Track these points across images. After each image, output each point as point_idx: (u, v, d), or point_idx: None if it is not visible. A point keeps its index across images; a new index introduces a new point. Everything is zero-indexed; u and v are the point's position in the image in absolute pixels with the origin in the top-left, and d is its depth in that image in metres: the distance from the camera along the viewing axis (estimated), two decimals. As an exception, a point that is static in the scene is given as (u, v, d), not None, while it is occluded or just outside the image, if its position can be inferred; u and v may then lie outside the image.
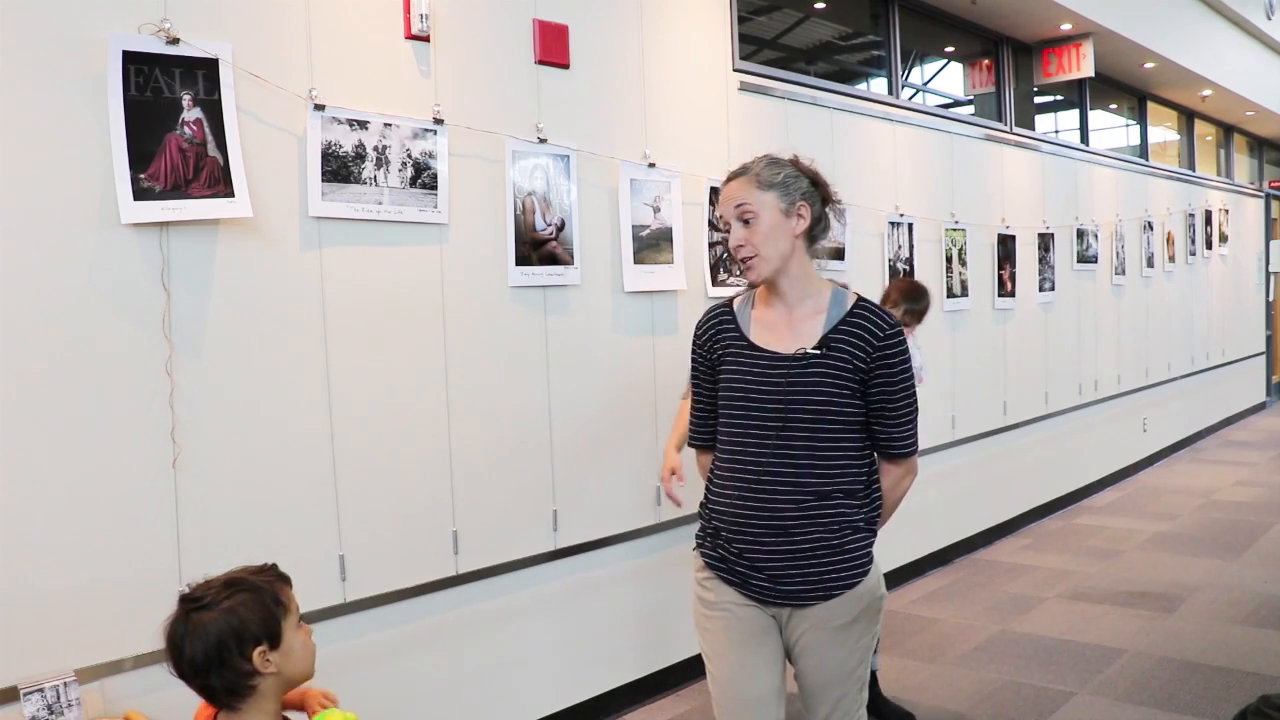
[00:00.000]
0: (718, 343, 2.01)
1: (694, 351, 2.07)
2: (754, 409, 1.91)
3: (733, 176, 1.95)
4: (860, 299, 1.96)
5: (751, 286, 2.00)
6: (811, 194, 1.94)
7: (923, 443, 5.14)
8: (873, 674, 3.23)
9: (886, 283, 4.63)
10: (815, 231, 1.94)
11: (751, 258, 1.90)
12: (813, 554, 1.89)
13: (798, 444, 1.87)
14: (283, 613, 1.50)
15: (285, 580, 1.55)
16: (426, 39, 2.79)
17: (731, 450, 1.95)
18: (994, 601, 4.47)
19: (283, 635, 1.49)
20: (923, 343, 3.70)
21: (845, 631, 1.93)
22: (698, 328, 2.07)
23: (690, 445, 2.15)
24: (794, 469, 1.87)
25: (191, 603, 1.47)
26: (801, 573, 1.89)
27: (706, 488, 2.05)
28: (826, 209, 1.97)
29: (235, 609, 1.46)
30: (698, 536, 2.06)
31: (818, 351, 1.87)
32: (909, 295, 3.00)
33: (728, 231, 1.95)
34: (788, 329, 1.93)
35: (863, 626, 1.95)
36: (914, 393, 1.94)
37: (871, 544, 1.97)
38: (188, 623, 1.45)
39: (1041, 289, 5.95)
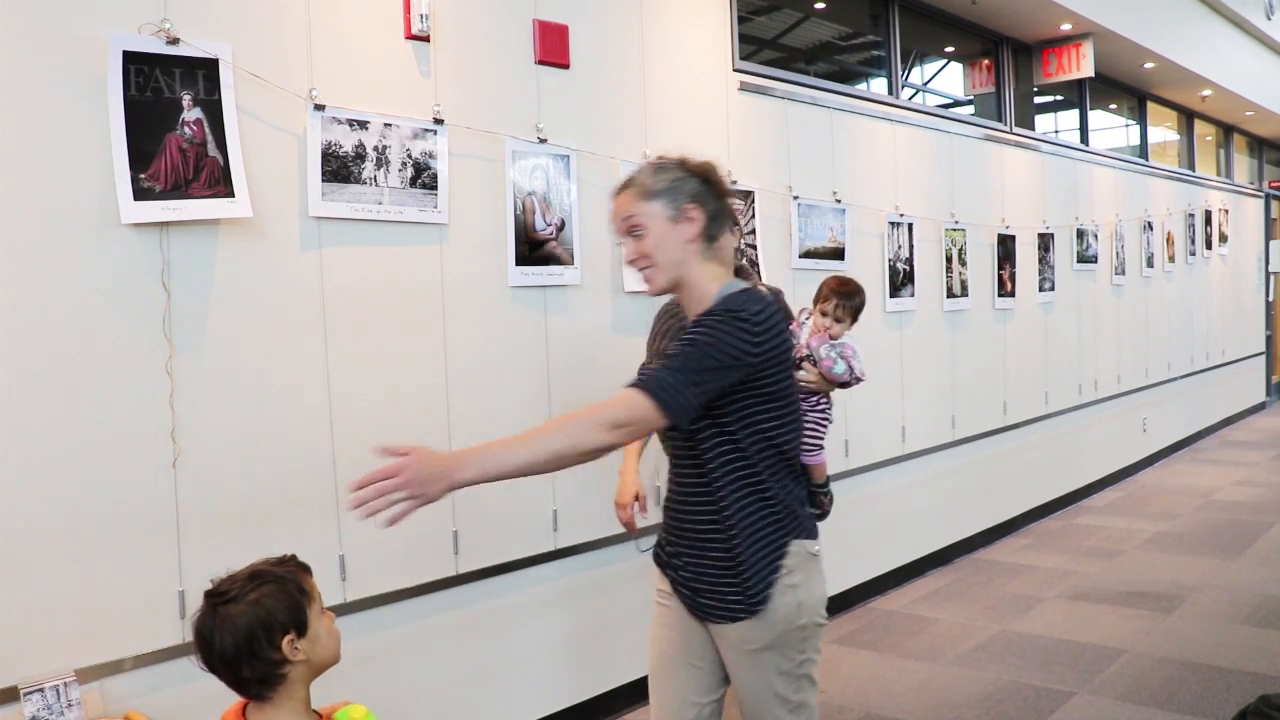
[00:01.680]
0: (665, 336, 2.02)
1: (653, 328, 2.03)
2: None
3: (619, 189, 1.89)
4: (736, 293, 1.81)
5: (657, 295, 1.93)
6: (703, 193, 1.85)
7: (923, 443, 5.15)
8: None
9: (887, 284, 4.63)
10: (712, 230, 1.85)
11: (647, 269, 1.85)
12: (716, 571, 1.84)
13: (691, 457, 1.84)
14: (307, 601, 1.52)
15: (306, 569, 1.57)
16: (426, 39, 2.79)
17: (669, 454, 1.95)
18: (994, 601, 4.47)
19: (309, 623, 1.51)
20: (858, 340, 3.61)
21: (759, 657, 1.85)
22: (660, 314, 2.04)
23: None
24: (697, 482, 1.84)
25: (218, 597, 1.49)
26: (709, 588, 1.86)
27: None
28: (723, 203, 1.89)
29: (262, 600, 1.49)
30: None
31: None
32: (840, 291, 2.97)
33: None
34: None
35: (778, 654, 1.84)
36: (691, 351, 1.72)
37: (775, 569, 1.82)
38: (216, 616, 1.47)
39: (1041, 289, 5.95)
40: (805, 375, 2.83)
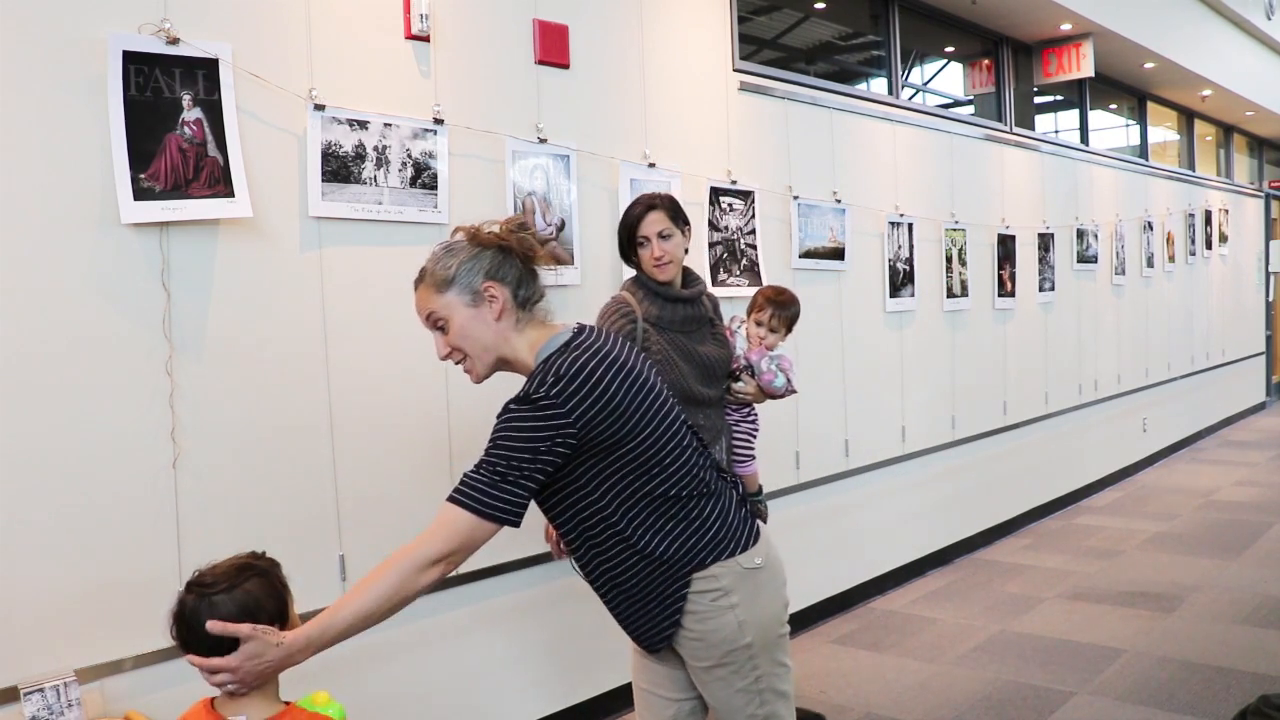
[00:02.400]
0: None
1: None
2: None
3: (416, 281, 1.80)
4: (538, 365, 1.74)
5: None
6: (501, 266, 1.75)
7: (924, 443, 5.15)
8: None
9: (887, 284, 4.64)
10: (522, 297, 1.77)
11: (460, 361, 1.80)
12: (620, 616, 1.86)
13: (555, 525, 1.85)
14: (287, 594, 1.58)
15: (278, 565, 1.62)
16: (426, 39, 2.79)
17: None
18: (994, 601, 4.47)
19: (289, 615, 1.57)
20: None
21: (712, 674, 1.84)
22: None
23: None
24: (571, 541, 1.84)
25: (204, 587, 1.52)
26: (626, 627, 1.88)
27: None
28: (530, 262, 1.78)
29: (251, 591, 1.53)
30: None
31: None
32: (776, 300, 2.93)
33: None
34: None
35: (729, 672, 1.81)
36: (495, 455, 1.68)
37: (675, 603, 1.77)
38: (205, 603, 1.50)
39: (1041, 289, 5.95)
40: (743, 388, 2.82)
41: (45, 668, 2.10)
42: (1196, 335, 8.44)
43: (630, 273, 3.36)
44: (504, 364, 1.81)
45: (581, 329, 1.81)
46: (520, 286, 1.77)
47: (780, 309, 2.91)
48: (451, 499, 1.66)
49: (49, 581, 2.12)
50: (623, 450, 1.70)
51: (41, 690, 2.06)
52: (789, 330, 2.96)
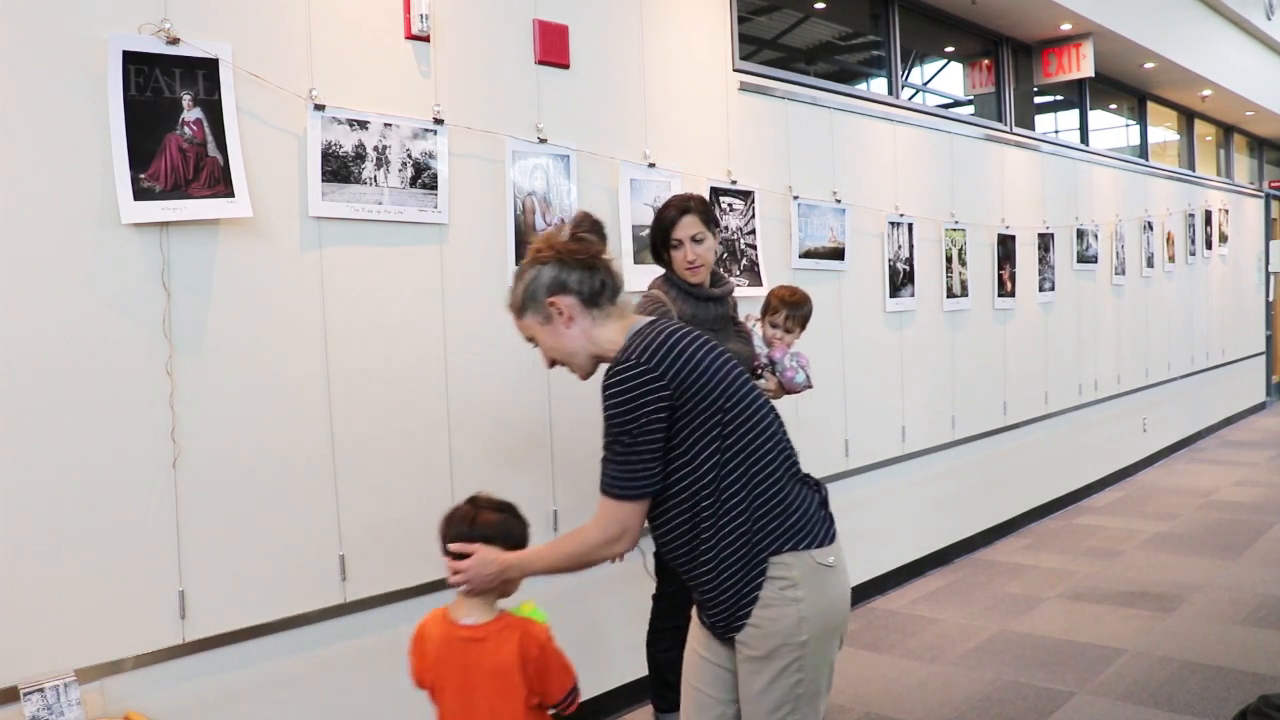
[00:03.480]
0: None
1: None
2: None
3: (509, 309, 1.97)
4: (619, 351, 1.82)
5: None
6: (561, 278, 1.85)
7: (923, 443, 5.15)
8: None
9: (887, 284, 4.64)
10: (588, 298, 1.86)
11: (563, 367, 1.95)
12: (699, 594, 1.90)
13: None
14: (525, 545, 1.99)
15: (529, 526, 2.04)
16: (426, 39, 2.79)
17: None
18: (994, 601, 4.47)
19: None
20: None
21: (758, 665, 1.84)
22: None
23: None
24: (657, 513, 1.88)
25: (480, 505, 1.98)
26: (701, 608, 1.92)
27: None
28: (591, 265, 1.87)
29: (509, 522, 1.97)
30: None
31: None
32: (790, 301, 2.98)
33: None
34: None
35: (777, 667, 1.82)
36: (610, 434, 1.78)
37: (751, 586, 1.81)
38: (478, 516, 1.95)
39: (1041, 289, 5.95)
40: (764, 384, 2.86)
41: (45, 668, 2.10)
42: (1196, 335, 8.44)
43: (632, 274, 3.36)
44: (600, 359, 1.90)
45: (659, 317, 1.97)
46: (586, 289, 1.86)
47: (794, 309, 2.96)
48: (601, 490, 1.83)
49: (49, 581, 2.12)
50: (716, 416, 1.78)
51: (41, 690, 2.06)
52: (803, 328, 3.01)
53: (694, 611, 2.02)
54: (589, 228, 1.93)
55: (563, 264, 1.86)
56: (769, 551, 1.80)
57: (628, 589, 3.38)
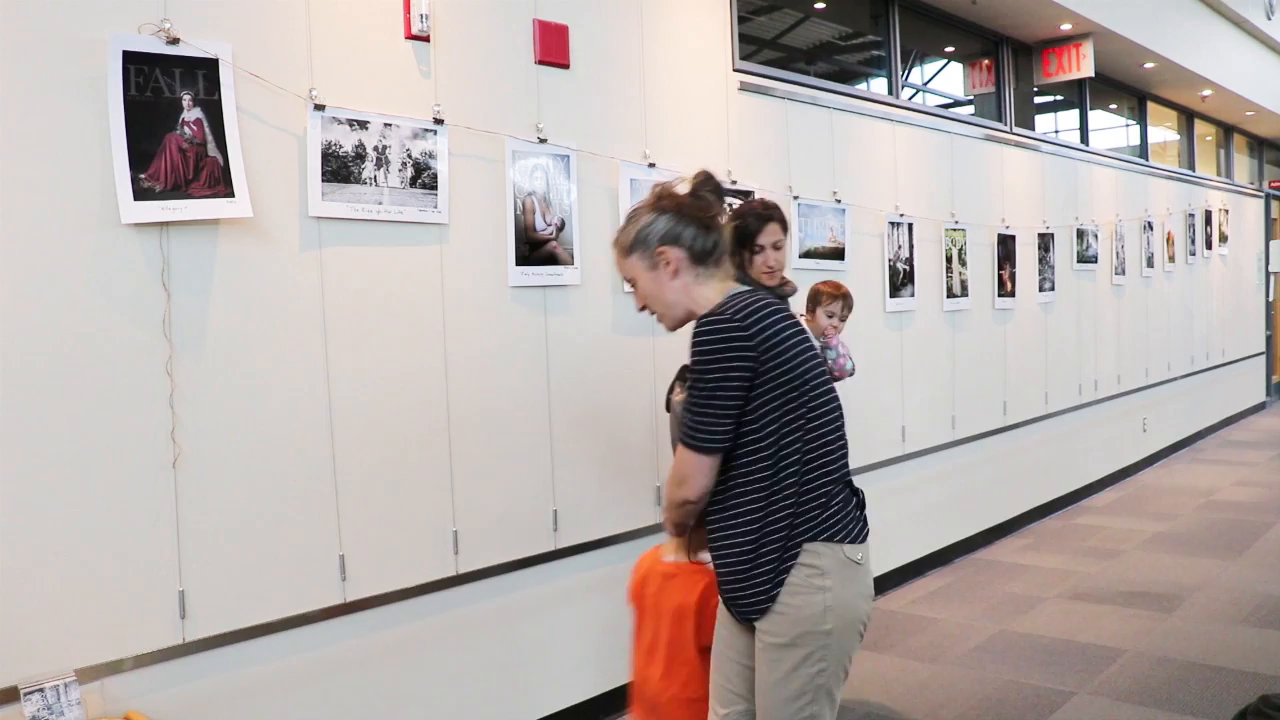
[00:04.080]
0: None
1: None
2: None
3: (613, 245, 2.02)
4: (721, 302, 1.86)
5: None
6: (674, 229, 1.90)
7: (923, 443, 5.14)
8: None
9: (887, 284, 4.64)
10: (697, 255, 1.90)
11: (654, 314, 1.98)
12: (730, 570, 1.90)
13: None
14: None
15: None
16: (426, 39, 2.79)
17: None
18: (994, 601, 4.47)
19: None
20: (856, 337, 3.74)
21: (780, 653, 1.86)
22: None
23: None
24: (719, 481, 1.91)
25: None
26: (726, 586, 1.93)
27: None
28: (703, 223, 1.92)
29: None
30: None
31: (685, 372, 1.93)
32: (839, 294, 3.15)
33: None
34: None
35: (800, 655, 1.84)
36: (695, 385, 1.82)
37: (789, 566, 1.83)
38: None
39: (1041, 289, 5.95)
40: None
41: (45, 668, 2.10)
42: (1196, 335, 8.44)
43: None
44: (692, 316, 1.92)
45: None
46: (695, 243, 1.91)
47: (846, 300, 3.17)
48: (681, 441, 1.85)
49: (49, 581, 2.12)
50: (790, 394, 1.82)
51: (41, 690, 2.06)
52: (843, 321, 3.23)
53: (720, 609, 2.04)
54: (711, 189, 1.98)
55: (680, 217, 1.91)
56: (805, 538, 1.84)
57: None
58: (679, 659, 2.24)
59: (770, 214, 2.89)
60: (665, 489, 1.96)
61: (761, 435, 1.82)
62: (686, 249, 1.90)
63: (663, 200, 1.93)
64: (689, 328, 1.89)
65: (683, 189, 1.97)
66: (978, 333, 5.35)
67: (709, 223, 1.93)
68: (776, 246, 2.87)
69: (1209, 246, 8.66)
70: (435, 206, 2.80)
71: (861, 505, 1.94)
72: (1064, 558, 5.15)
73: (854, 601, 1.86)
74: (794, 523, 1.83)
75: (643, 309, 1.99)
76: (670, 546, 2.28)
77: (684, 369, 2.93)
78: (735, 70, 3.84)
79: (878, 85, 5.07)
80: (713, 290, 1.91)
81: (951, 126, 5.17)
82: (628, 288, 2.00)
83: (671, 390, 2.88)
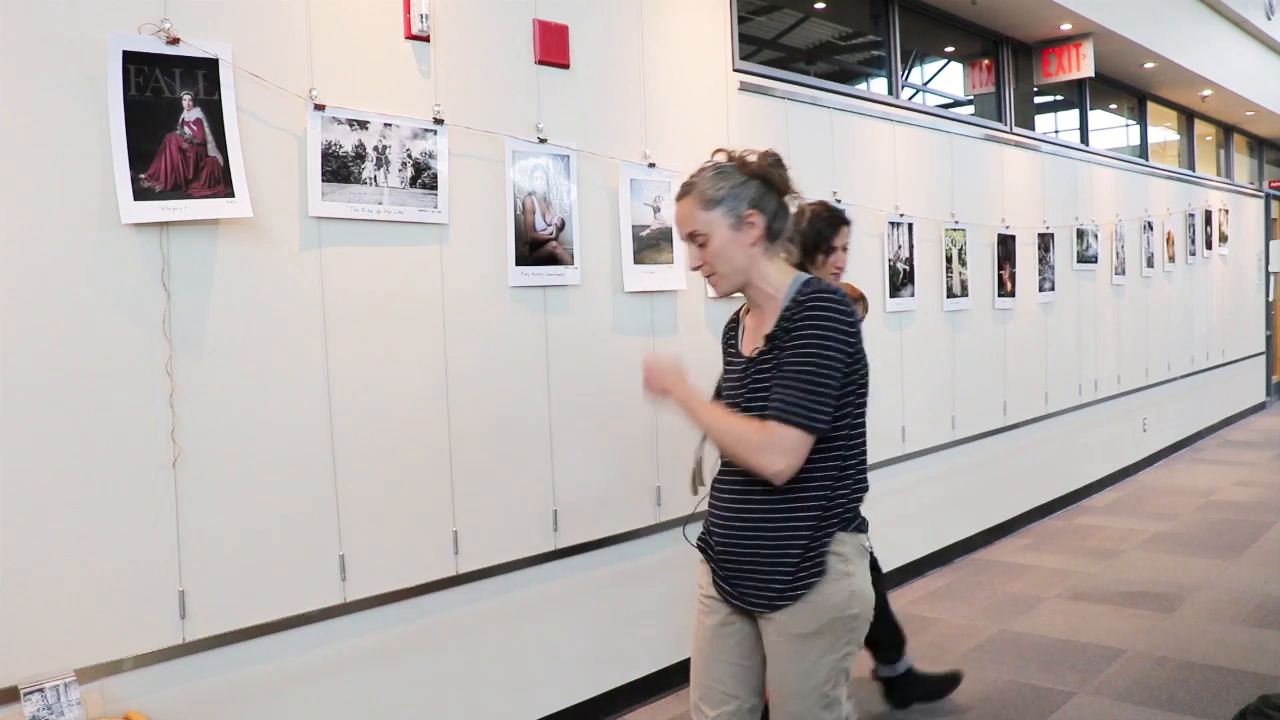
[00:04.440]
0: (725, 350, 2.09)
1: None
2: None
3: (681, 195, 1.93)
4: (808, 281, 1.89)
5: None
6: (763, 196, 1.90)
7: (923, 443, 5.14)
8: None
9: (887, 284, 4.63)
10: (775, 230, 1.92)
11: (711, 275, 1.94)
12: (757, 559, 1.88)
13: None
14: None
15: None
16: (426, 39, 2.79)
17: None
18: (994, 601, 4.47)
19: None
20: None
21: (806, 642, 1.87)
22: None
23: None
24: (739, 472, 1.90)
25: None
26: (750, 577, 1.90)
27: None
28: (784, 200, 1.95)
29: None
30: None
31: (765, 348, 1.88)
32: (861, 296, 3.31)
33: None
34: (758, 332, 1.95)
35: (826, 642, 1.87)
36: (811, 362, 1.80)
37: (823, 554, 1.85)
38: None
39: (1041, 289, 5.95)
40: None
41: (45, 668, 2.10)
42: (1196, 335, 8.44)
43: (632, 274, 3.37)
44: (747, 286, 1.94)
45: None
46: (775, 218, 1.92)
47: (863, 303, 3.32)
48: (776, 416, 1.80)
49: (49, 581, 2.12)
50: (857, 389, 1.87)
51: (41, 690, 2.06)
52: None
53: (702, 612, 2.02)
54: (778, 164, 1.98)
55: (770, 188, 1.92)
56: (835, 525, 1.88)
57: (628, 590, 3.38)
58: None
59: (847, 219, 3.11)
60: (741, 429, 1.84)
61: (838, 428, 1.85)
62: (768, 220, 1.90)
63: (759, 166, 1.92)
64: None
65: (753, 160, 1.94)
66: (978, 333, 5.35)
67: (785, 203, 1.95)
68: (845, 249, 3.08)
69: (1209, 246, 8.66)
70: (435, 206, 2.80)
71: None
72: (1064, 558, 5.15)
73: (868, 587, 1.92)
74: (841, 513, 1.88)
75: (698, 267, 1.94)
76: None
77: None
78: (735, 70, 3.84)
79: (878, 85, 5.07)
80: (773, 269, 1.92)
81: (951, 126, 5.17)
82: (680, 243, 1.99)
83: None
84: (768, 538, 1.87)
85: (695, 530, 2.15)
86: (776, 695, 1.93)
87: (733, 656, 1.98)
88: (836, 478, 1.87)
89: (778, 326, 1.86)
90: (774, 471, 1.80)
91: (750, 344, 1.95)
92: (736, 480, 1.92)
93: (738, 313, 2.09)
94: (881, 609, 3.32)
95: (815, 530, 1.85)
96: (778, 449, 1.79)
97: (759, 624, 1.94)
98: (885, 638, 3.35)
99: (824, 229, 3.06)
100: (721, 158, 1.94)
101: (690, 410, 1.91)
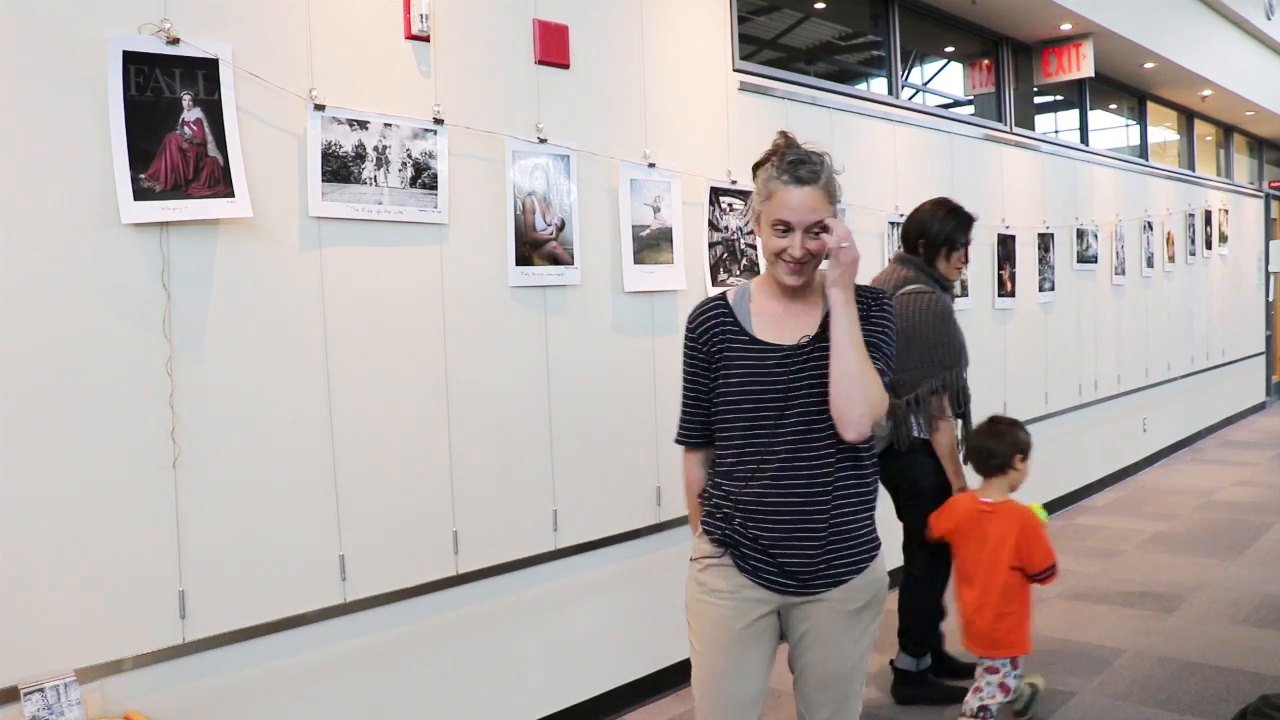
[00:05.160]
0: (716, 340, 1.99)
1: (688, 348, 2.03)
2: (760, 402, 1.92)
3: (802, 181, 1.92)
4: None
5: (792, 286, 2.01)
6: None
7: (923, 443, 5.03)
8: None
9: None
10: None
11: (806, 265, 1.94)
12: (823, 538, 1.91)
13: (800, 431, 1.90)
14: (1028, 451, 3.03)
15: None
16: (426, 39, 2.79)
17: (740, 444, 1.94)
18: (994, 601, 4.46)
19: (1028, 456, 3.03)
20: None
21: (856, 618, 1.95)
22: (691, 324, 2.03)
23: (681, 442, 2.10)
24: (802, 456, 1.90)
25: (997, 421, 3.11)
26: (814, 557, 1.91)
27: (715, 481, 2.01)
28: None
29: (1019, 433, 3.03)
30: (704, 523, 2.02)
31: (816, 335, 1.94)
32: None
33: (784, 232, 1.92)
34: (790, 320, 1.96)
35: (871, 613, 1.98)
36: (887, 350, 1.97)
37: (875, 527, 2.01)
38: (995, 426, 3.06)
39: (1041, 289, 5.95)
40: None
41: (45, 668, 2.10)
42: (1196, 335, 8.44)
43: (632, 274, 3.37)
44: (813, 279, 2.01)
45: None
46: None
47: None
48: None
49: (49, 581, 2.12)
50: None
51: (41, 690, 2.06)
52: None
53: (720, 614, 1.95)
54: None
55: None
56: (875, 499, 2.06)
57: (628, 590, 3.38)
58: (993, 577, 2.91)
59: (974, 220, 3.33)
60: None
61: None
62: None
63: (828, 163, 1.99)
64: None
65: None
66: (977, 333, 5.35)
67: None
68: (969, 245, 3.33)
69: (1209, 246, 8.66)
70: (435, 206, 2.80)
71: None
72: (1064, 557, 5.13)
73: None
74: (876, 485, 2.04)
75: (801, 258, 1.92)
76: (988, 489, 3.00)
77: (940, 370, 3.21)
78: (735, 70, 3.84)
79: (878, 85, 5.07)
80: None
81: (951, 126, 5.17)
82: (786, 230, 1.92)
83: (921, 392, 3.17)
84: (847, 511, 1.93)
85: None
86: (821, 680, 1.96)
87: (764, 655, 1.98)
88: (870, 453, 1.99)
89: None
90: (864, 429, 1.84)
91: (783, 332, 1.95)
92: (787, 458, 1.89)
93: (724, 303, 2.02)
94: (934, 603, 3.40)
95: (874, 500, 2.00)
96: (880, 406, 1.86)
97: (794, 611, 1.95)
98: (919, 631, 3.39)
99: (955, 228, 3.26)
100: (803, 146, 2.01)
101: (847, 313, 1.88)
